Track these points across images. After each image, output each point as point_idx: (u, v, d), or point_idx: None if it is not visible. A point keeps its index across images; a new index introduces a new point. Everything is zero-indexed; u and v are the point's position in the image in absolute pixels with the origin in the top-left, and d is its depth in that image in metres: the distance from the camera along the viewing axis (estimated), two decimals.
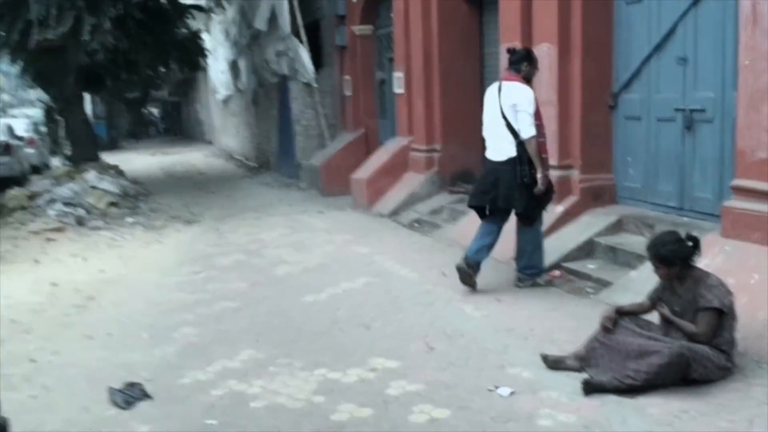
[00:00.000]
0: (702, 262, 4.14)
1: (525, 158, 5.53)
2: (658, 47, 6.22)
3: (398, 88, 10.56)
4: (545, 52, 6.86)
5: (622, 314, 4.07)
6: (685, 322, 3.86)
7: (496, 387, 3.88)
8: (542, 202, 5.73)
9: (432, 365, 4.31)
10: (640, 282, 5.23)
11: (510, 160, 5.60)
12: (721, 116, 5.61)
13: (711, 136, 5.74)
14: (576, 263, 6.15)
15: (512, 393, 3.81)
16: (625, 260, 5.87)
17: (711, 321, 3.77)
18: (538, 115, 5.59)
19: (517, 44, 6.79)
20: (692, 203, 6.00)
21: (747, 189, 4.75)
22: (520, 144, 5.54)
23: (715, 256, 4.69)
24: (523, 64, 5.68)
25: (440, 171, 9.68)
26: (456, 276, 5.73)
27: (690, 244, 3.90)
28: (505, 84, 5.67)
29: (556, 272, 6.03)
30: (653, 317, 4.09)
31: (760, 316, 4.18)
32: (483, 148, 9.69)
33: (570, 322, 4.93)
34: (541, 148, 5.61)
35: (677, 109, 6.04)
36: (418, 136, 9.99)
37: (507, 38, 7.57)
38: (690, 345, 3.71)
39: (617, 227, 6.40)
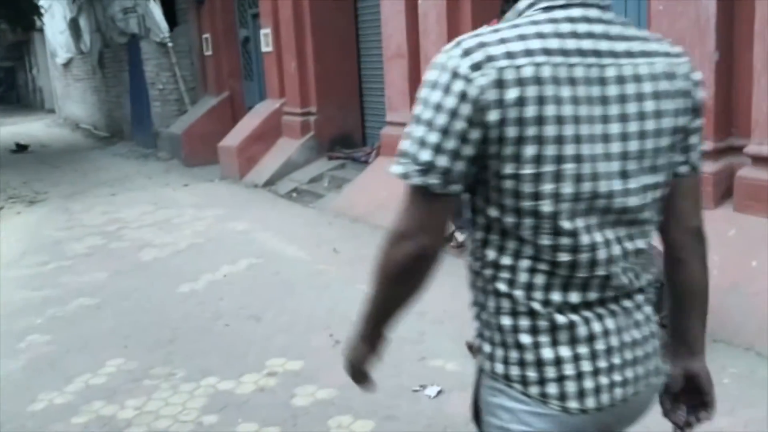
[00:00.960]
0: None
1: None
2: None
3: (265, 46, 9.71)
4: (432, 4, 6.38)
5: None
6: None
7: (422, 387, 3.35)
8: None
9: (341, 363, 3.69)
10: None
11: None
12: None
13: None
14: None
15: (440, 392, 3.30)
16: None
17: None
18: None
19: None
20: None
21: None
22: None
23: None
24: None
25: (317, 135, 9.00)
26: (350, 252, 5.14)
27: None
28: None
29: (459, 238, 5.56)
30: None
31: None
32: (363, 109, 9.33)
33: None
34: None
35: None
36: (291, 98, 9.25)
37: None
38: None
39: None
